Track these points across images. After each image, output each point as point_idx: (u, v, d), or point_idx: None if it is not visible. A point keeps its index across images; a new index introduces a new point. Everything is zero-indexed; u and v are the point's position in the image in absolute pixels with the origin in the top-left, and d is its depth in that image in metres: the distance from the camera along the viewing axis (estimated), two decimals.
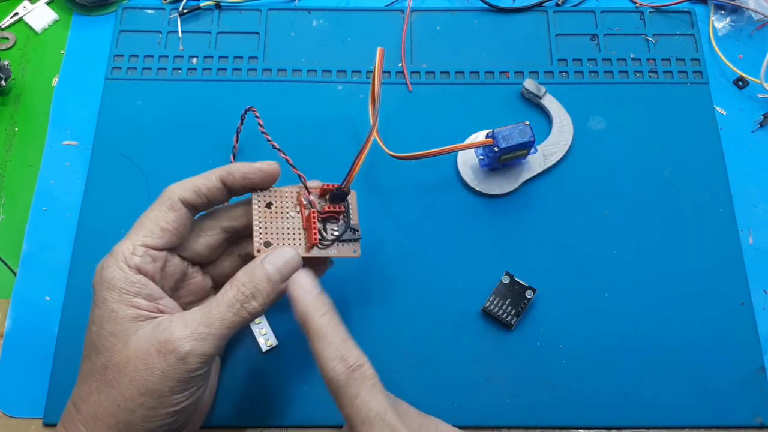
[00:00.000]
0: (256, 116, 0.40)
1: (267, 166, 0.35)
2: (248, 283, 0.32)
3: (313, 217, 0.36)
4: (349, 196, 0.37)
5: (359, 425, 0.30)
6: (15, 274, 0.43)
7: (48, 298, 0.43)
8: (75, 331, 0.41)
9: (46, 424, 0.39)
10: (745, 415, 0.40)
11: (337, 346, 0.31)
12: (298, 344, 0.41)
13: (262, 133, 0.38)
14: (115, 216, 0.44)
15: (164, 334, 0.31)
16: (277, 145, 0.37)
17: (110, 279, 0.32)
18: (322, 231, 0.36)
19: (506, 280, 0.42)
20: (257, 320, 0.41)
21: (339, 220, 0.37)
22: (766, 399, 0.40)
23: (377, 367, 0.41)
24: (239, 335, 0.41)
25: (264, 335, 0.41)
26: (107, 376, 0.31)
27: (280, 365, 0.41)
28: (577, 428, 0.40)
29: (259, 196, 0.36)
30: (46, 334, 0.41)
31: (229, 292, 0.32)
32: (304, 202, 0.36)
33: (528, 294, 0.41)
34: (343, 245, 0.37)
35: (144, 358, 0.30)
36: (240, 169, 0.35)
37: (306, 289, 0.32)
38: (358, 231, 0.37)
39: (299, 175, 0.36)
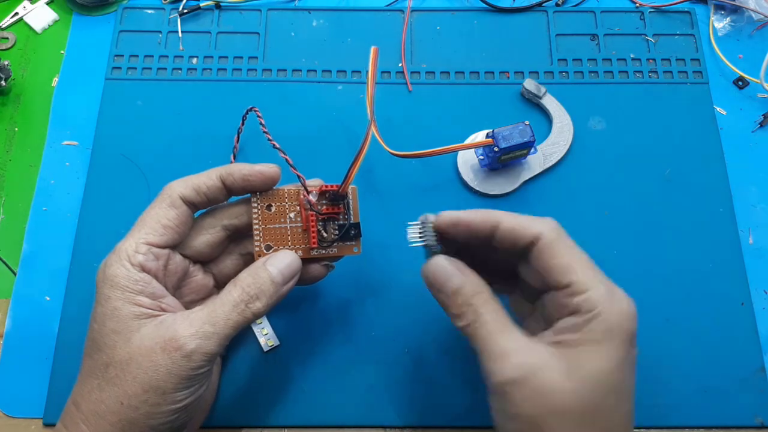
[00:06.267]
0: (258, 116, 0.40)
1: (267, 169, 0.35)
2: (252, 284, 0.33)
3: (312, 219, 0.36)
4: (350, 192, 0.37)
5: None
6: (15, 274, 0.43)
7: (48, 298, 0.43)
8: (75, 331, 0.41)
9: (46, 424, 0.39)
10: (745, 415, 0.40)
11: None
12: (299, 344, 0.41)
13: (264, 132, 0.38)
14: (115, 216, 0.44)
15: (169, 332, 0.31)
16: (277, 145, 0.36)
17: (113, 277, 0.32)
18: (322, 232, 0.36)
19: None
20: (258, 320, 0.41)
21: (340, 219, 0.37)
22: (766, 399, 0.40)
23: (377, 367, 0.41)
24: (241, 335, 0.41)
25: (265, 335, 0.41)
26: (109, 374, 0.31)
27: (280, 365, 0.41)
28: None
29: (258, 198, 0.36)
30: (46, 334, 0.41)
31: (233, 292, 0.32)
32: (304, 203, 0.36)
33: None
34: (344, 243, 0.37)
35: (148, 355, 0.30)
36: (240, 171, 0.35)
37: None
38: (358, 228, 0.37)
39: (298, 176, 0.36)
